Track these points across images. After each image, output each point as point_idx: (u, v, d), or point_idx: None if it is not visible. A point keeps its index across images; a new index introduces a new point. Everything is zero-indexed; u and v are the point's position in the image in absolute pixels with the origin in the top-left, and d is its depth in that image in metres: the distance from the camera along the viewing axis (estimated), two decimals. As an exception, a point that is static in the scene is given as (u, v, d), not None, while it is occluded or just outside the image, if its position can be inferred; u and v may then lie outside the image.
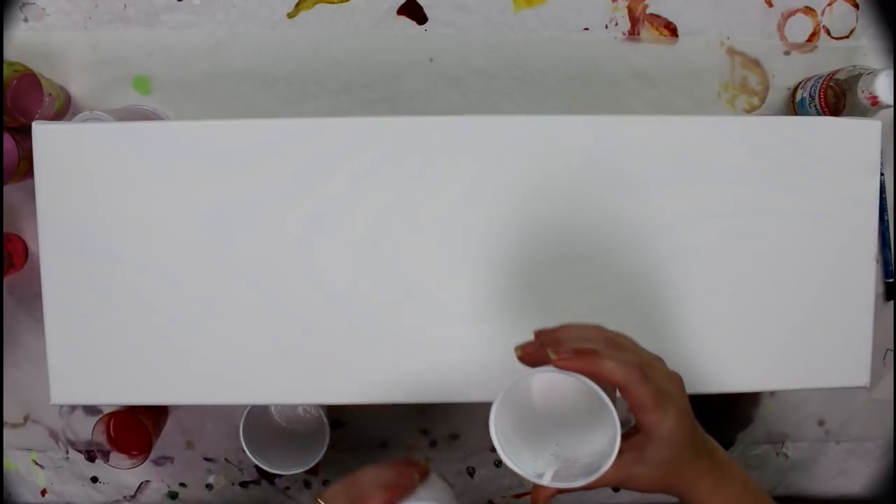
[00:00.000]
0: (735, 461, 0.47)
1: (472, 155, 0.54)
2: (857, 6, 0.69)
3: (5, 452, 0.72)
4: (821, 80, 0.65)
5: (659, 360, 0.45)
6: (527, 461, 0.42)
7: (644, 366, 0.42)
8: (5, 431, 0.71)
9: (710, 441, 0.46)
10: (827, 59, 0.69)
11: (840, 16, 0.69)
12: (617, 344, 0.43)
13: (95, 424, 0.65)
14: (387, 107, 0.68)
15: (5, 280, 0.67)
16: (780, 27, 0.69)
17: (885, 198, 0.70)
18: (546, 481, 0.41)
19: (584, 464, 0.42)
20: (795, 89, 0.69)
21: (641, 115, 0.68)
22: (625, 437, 0.41)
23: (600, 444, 0.42)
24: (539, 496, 0.43)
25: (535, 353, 0.43)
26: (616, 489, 0.75)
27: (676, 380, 0.44)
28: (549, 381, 0.46)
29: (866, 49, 0.69)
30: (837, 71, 0.64)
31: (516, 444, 0.42)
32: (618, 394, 0.42)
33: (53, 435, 0.72)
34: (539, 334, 0.45)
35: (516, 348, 0.44)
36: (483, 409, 0.73)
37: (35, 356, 0.69)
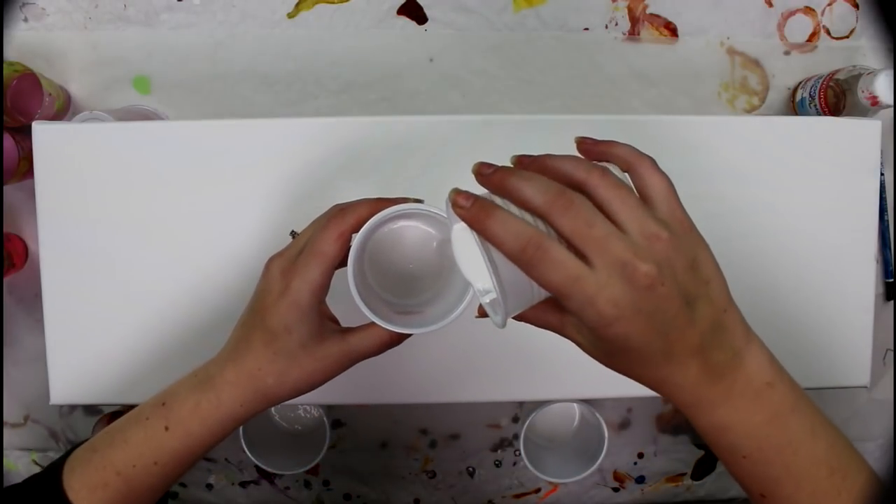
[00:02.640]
0: (790, 391, 0.37)
1: (472, 155, 0.54)
2: (857, 6, 0.69)
3: (5, 452, 0.72)
4: (821, 80, 0.65)
5: (650, 230, 0.33)
6: (478, 269, 0.36)
7: (577, 236, 0.32)
8: (5, 431, 0.71)
9: (735, 352, 0.36)
10: (827, 59, 0.69)
11: (840, 16, 0.69)
12: (565, 203, 0.33)
13: (95, 424, 0.65)
14: (387, 107, 0.68)
15: (5, 280, 0.67)
16: (780, 27, 0.69)
17: (885, 198, 0.70)
18: (484, 301, 0.38)
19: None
20: (795, 89, 0.69)
21: (641, 115, 0.68)
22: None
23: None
24: (480, 311, 0.39)
25: (485, 176, 0.36)
26: (616, 490, 0.75)
27: (633, 274, 0.32)
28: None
29: (866, 49, 0.69)
30: (837, 71, 0.64)
31: (475, 250, 0.35)
32: None
33: (53, 435, 0.72)
34: (519, 159, 0.38)
35: (476, 163, 0.37)
36: (483, 409, 0.74)
37: (35, 356, 0.69)
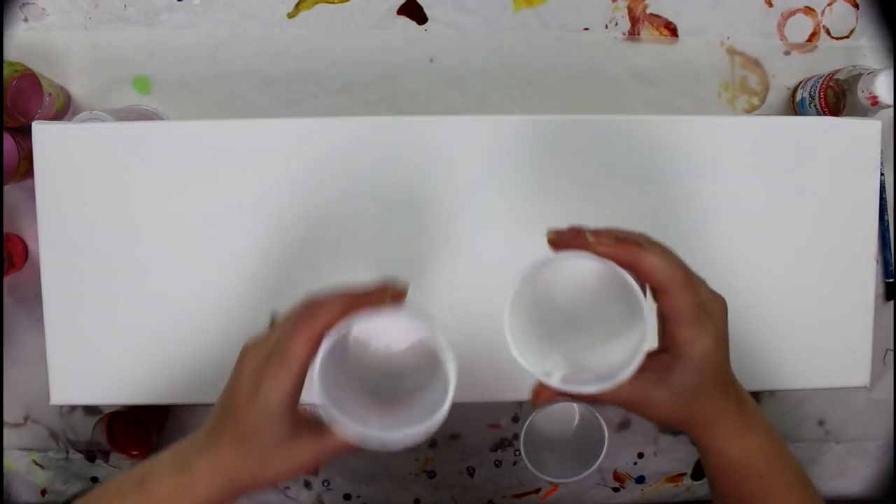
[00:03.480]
0: (761, 412, 0.43)
1: (472, 155, 0.54)
2: (857, 6, 0.69)
3: (5, 452, 0.72)
4: (821, 80, 0.65)
5: (703, 279, 0.39)
6: (535, 359, 0.37)
7: (689, 273, 0.37)
8: (5, 431, 0.71)
9: (739, 383, 0.41)
10: (827, 59, 0.69)
11: (840, 16, 0.69)
12: (662, 248, 0.38)
13: (95, 424, 0.65)
14: (387, 107, 0.68)
15: (5, 280, 0.67)
16: (780, 27, 0.69)
17: (885, 198, 0.70)
18: (554, 381, 0.36)
19: (598, 372, 0.37)
20: (795, 89, 0.69)
21: (641, 115, 0.68)
22: (649, 356, 0.36)
23: (618, 356, 0.37)
24: (540, 395, 0.38)
25: (570, 238, 0.37)
26: (616, 490, 0.75)
27: (720, 303, 0.39)
28: (575, 280, 0.40)
29: (866, 49, 0.69)
30: (837, 71, 0.64)
31: (529, 339, 0.38)
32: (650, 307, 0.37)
33: (53, 435, 0.72)
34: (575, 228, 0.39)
35: (550, 231, 0.38)
36: (483, 409, 0.74)
37: (35, 356, 0.69)
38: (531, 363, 0.36)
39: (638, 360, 0.34)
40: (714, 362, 0.38)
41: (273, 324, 0.41)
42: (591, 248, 0.36)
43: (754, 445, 0.41)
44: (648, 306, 0.36)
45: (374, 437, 0.37)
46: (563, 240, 0.37)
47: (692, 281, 0.37)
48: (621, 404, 0.39)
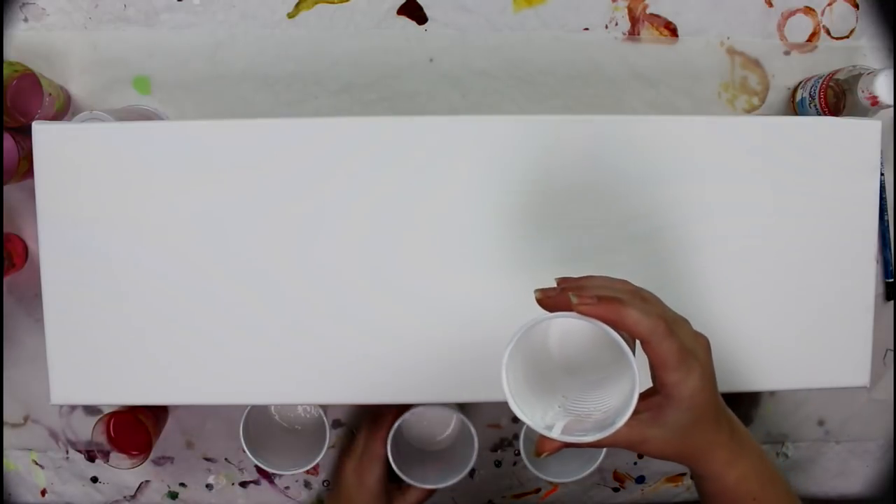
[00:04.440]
0: (750, 435, 0.46)
1: (472, 155, 0.54)
2: (857, 6, 0.69)
3: (5, 452, 0.72)
4: (821, 80, 0.65)
5: (685, 320, 0.42)
6: (535, 412, 0.40)
7: (670, 321, 0.39)
8: (5, 431, 0.71)
9: (728, 412, 0.44)
10: (827, 59, 0.69)
11: (840, 16, 0.69)
12: (642, 297, 0.40)
13: (95, 424, 0.65)
14: (387, 107, 0.68)
15: (5, 280, 0.67)
16: (780, 27, 0.69)
17: (885, 198, 0.70)
18: (556, 434, 0.39)
19: (596, 420, 0.40)
20: (795, 89, 0.69)
21: (641, 115, 0.68)
22: (642, 396, 0.39)
23: (614, 401, 0.40)
24: (544, 447, 0.40)
25: (555, 298, 0.40)
26: (616, 490, 0.75)
27: (703, 342, 0.42)
28: (566, 330, 0.43)
29: (866, 49, 0.69)
30: (837, 71, 0.64)
31: (526, 394, 0.40)
32: (637, 349, 0.40)
33: (53, 435, 0.72)
34: (561, 281, 0.42)
35: (536, 291, 0.41)
36: (483, 409, 0.74)
37: (35, 356, 0.69)
38: (533, 420, 0.39)
39: (631, 408, 0.37)
40: (703, 399, 0.40)
41: (353, 435, 0.69)
42: (576, 309, 0.38)
43: (748, 469, 0.44)
44: (636, 354, 0.39)
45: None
46: (550, 300, 0.40)
47: (673, 329, 0.39)
48: (620, 446, 0.41)
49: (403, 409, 0.63)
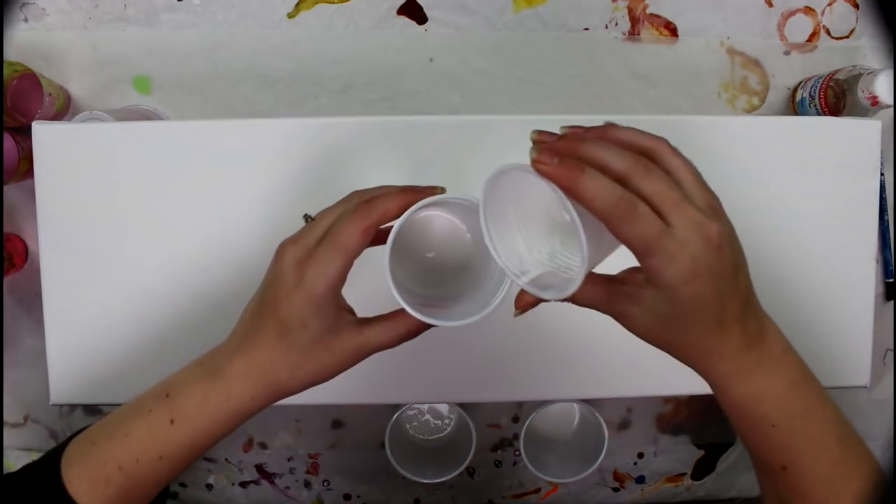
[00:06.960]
0: (795, 359, 0.39)
1: (472, 155, 0.54)
2: (857, 6, 0.69)
3: (5, 452, 0.72)
4: (821, 80, 0.65)
5: (706, 200, 0.35)
6: (514, 251, 0.36)
7: (658, 197, 0.33)
8: (5, 431, 0.71)
9: (755, 322, 0.37)
10: (827, 59, 0.69)
11: (840, 16, 0.69)
12: (644, 168, 0.34)
13: (95, 424, 0.65)
14: (387, 107, 0.69)
15: (5, 280, 0.67)
16: (780, 27, 0.69)
17: (885, 198, 0.70)
18: (524, 281, 0.36)
19: (564, 279, 0.36)
20: (795, 89, 0.69)
21: (641, 115, 0.68)
22: (633, 269, 0.35)
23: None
24: (518, 303, 0.37)
25: (550, 144, 0.35)
26: (616, 490, 0.75)
27: (705, 230, 0.34)
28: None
29: (866, 49, 0.69)
30: (837, 71, 0.64)
31: (511, 231, 0.37)
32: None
33: (53, 435, 0.72)
34: (568, 131, 0.37)
35: (533, 132, 0.36)
36: (483, 409, 0.73)
37: (35, 356, 0.69)
38: (505, 258, 0.36)
39: (579, 278, 0.34)
40: (690, 293, 0.34)
41: (311, 220, 0.41)
42: (533, 166, 0.34)
43: (764, 391, 0.37)
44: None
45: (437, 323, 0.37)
46: (542, 144, 0.36)
47: (640, 213, 0.33)
48: (600, 310, 0.38)
49: (409, 202, 0.39)
